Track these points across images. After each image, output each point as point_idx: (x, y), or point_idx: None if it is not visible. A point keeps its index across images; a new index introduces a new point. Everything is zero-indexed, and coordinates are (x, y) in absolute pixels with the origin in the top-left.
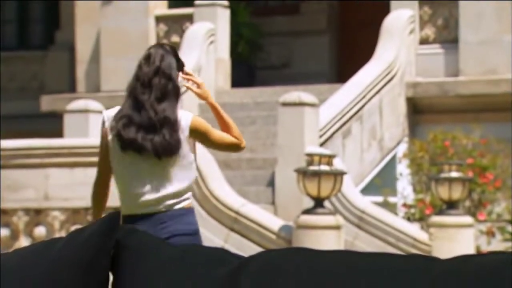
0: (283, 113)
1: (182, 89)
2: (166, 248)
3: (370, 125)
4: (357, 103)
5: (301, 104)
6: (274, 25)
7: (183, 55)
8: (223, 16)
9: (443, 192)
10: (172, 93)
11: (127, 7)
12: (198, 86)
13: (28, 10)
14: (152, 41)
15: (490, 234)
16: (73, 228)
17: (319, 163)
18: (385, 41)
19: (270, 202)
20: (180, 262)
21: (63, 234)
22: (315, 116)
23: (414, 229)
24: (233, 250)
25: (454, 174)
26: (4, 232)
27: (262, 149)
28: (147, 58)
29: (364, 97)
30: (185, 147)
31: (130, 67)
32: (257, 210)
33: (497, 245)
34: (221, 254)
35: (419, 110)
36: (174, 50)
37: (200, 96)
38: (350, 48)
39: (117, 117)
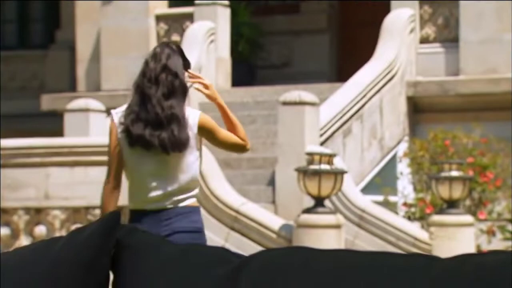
0: (283, 112)
1: (190, 89)
2: (166, 247)
3: (371, 124)
4: (358, 102)
5: (302, 103)
6: (275, 24)
7: None
8: (224, 15)
9: (444, 191)
10: (179, 90)
11: (128, 6)
12: (207, 87)
13: (28, 10)
14: (153, 40)
15: (490, 233)
16: (73, 227)
17: (320, 162)
18: (385, 40)
19: (271, 201)
20: (180, 261)
21: (63, 233)
22: (315, 115)
23: (414, 228)
24: (233, 249)
25: (455, 173)
26: (5, 231)
27: (262, 148)
28: (154, 56)
29: (364, 96)
30: (193, 143)
31: (130, 66)
32: (257, 209)
33: (498, 244)
34: (221, 253)
35: (420, 109)
36: (180, 49)
37: (209, 97)
38: (350, 47)
39: (126, 113)
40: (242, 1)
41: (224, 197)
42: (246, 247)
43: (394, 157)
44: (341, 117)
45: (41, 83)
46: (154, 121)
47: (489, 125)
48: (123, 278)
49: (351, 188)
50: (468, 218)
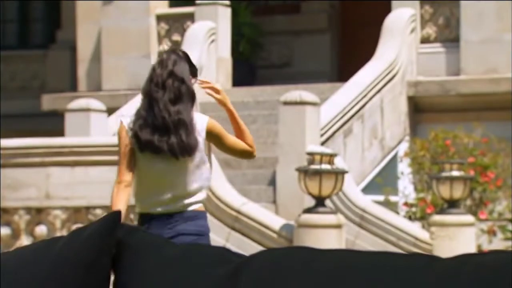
0: (284, 112)
1: (199, 94)
2: (167, 247)
3: (371, 124)
4: (358, 102)
5: (302, 103)
6: (275, 24)
7: None
8: (224, 15)
9: (444, 191)
10: (186, 96)
11: (128, 6)
12: (218, 92)
13: (29, 9)
14: (153, 40)
15: (491, 233)
16: (74, 227)
17: (320, 162)
18: (386, 40)
19: (271, 201)
20: (181, 261)
21: (64, 233)
22: (316, 115)
23: (415, 228)
24: (234, 249)
25: (455, 173)
26: (5, 231)
27: (263, 148)
28: (160, 62)
29: (365, 96)
30: (201, 148)
31: (131, 66)
32: (258, 209)
33: (498, 244)
34: (222, 253)
35: (420, 109)
36: (186, 55)
37: (219, 101)
38: (351, 47)
39: (134, 119)
40: (242, 1)
41: (225, 197)
42: (247, 247)
43: (395, 157)
44: (342, 117)
45: (41, 83)
46: (161, 126)
47: (489, 125)
48: (123, 278)
49: (352, 188)
50: (469, 218)
